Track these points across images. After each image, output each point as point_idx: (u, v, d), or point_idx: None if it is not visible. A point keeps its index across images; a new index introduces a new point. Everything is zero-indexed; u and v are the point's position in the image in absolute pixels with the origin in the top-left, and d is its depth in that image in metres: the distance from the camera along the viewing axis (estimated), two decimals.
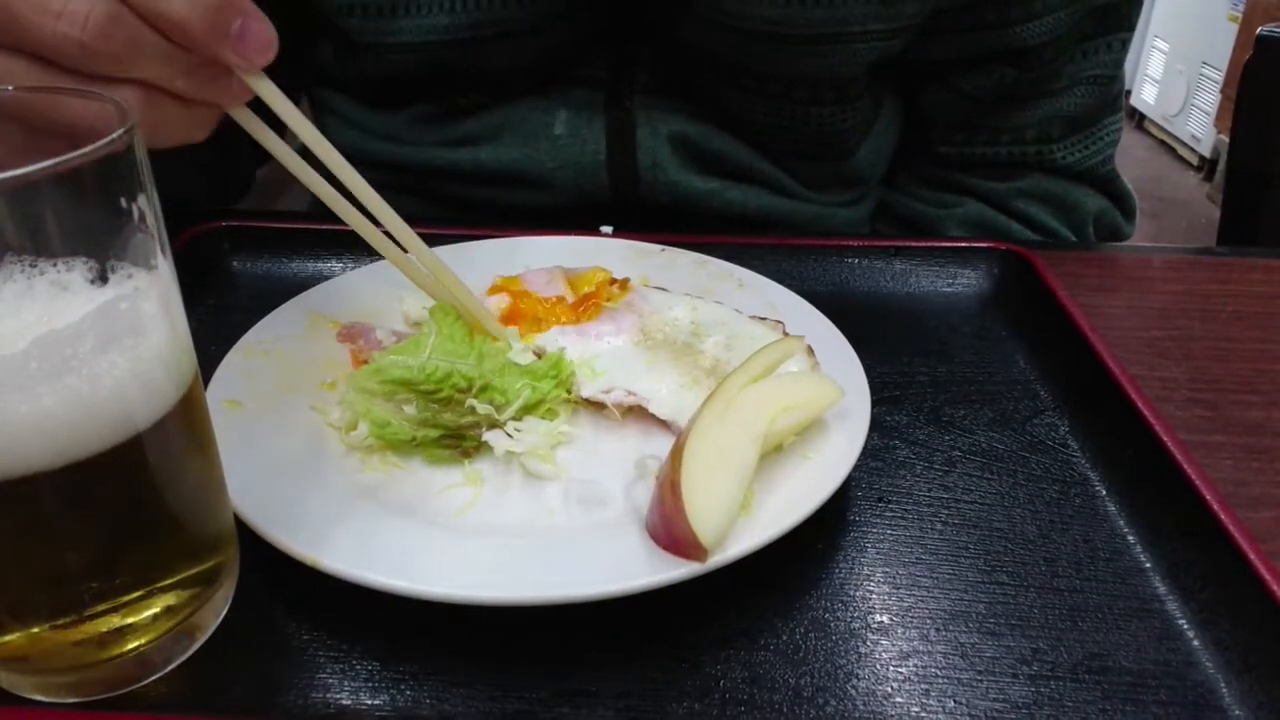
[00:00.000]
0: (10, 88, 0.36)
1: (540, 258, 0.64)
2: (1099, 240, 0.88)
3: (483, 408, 0.49)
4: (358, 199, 0.50)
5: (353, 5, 0.71)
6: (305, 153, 0.50)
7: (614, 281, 0.61)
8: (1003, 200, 0.85)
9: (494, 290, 0.60)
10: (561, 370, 0.53)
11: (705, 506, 0.40)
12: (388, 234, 0.52)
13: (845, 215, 0.88)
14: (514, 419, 0.50)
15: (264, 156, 0.92)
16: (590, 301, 0.59)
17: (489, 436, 0.49)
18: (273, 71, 0.43)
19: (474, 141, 0.80)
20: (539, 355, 0.55)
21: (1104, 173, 0.85)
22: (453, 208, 0.84)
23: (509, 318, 0.59)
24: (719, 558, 0.41)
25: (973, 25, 0.76)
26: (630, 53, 0.77)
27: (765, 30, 0.70)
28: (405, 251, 0.54)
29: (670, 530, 0.41)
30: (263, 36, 0.40)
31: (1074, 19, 0.76)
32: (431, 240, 0.67)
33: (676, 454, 0.42)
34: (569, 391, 0.53)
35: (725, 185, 0.82)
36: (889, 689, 0.40)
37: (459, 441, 0.49)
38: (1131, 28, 0.80)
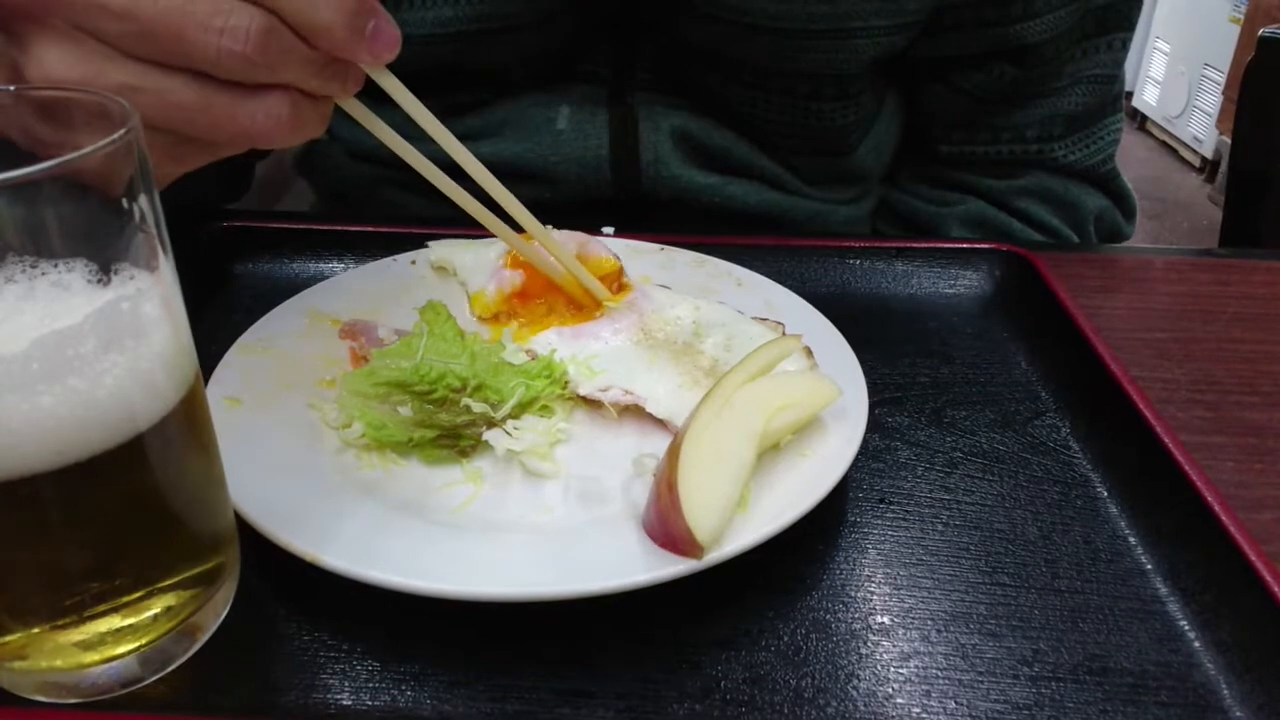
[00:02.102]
0: (12, 88, 0.36)
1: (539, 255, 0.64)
2: (1099, 240, 0.88)
3: (478, 407, 0.49)
4: (478, 183, 0.52)
5: None
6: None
7: (616, 278, 0.61)
8: (1004, 198, 0.85)
9: (512, 264, 0.61)
10: (554, 370, 0.53)
11: (701, 504, 0.40)
12: (501, 214, 0.54)
13: (846, 213, 0.88)
14: (511, 417, 0.50)
15: (264, 151, 0.91)
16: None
17: (489, 436, 0.49)
18: None
19: (476, 137, 0.80)
20: (532, 356, 0.55)
21: (1104, 172, 0.85)
22: (456, 204, 0.85)
23: (521, 294, 0.59)
24: (715, 555, 0.41)
25: (974, 22, 0.76)
26: (632, 49, 0.77)
27: (767, 25, 0.70)
28: (520, 232, 0.55)
29: (667, 527, 0.41)
30: (391, 34, 0.43)
31: (1074, 17, 0.76)
32: (434, 237, 0.67)
33: (673, 452, 0.42)
34: (564, 387, 0.53)
35: (726, 180, 0.82)
36: (890, 690, 0.40)
37: (455, 441, 0.49)
38: (1132, 27, 0.80)
